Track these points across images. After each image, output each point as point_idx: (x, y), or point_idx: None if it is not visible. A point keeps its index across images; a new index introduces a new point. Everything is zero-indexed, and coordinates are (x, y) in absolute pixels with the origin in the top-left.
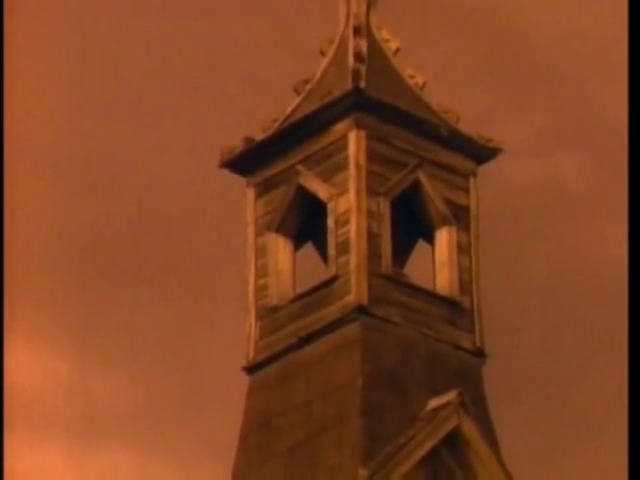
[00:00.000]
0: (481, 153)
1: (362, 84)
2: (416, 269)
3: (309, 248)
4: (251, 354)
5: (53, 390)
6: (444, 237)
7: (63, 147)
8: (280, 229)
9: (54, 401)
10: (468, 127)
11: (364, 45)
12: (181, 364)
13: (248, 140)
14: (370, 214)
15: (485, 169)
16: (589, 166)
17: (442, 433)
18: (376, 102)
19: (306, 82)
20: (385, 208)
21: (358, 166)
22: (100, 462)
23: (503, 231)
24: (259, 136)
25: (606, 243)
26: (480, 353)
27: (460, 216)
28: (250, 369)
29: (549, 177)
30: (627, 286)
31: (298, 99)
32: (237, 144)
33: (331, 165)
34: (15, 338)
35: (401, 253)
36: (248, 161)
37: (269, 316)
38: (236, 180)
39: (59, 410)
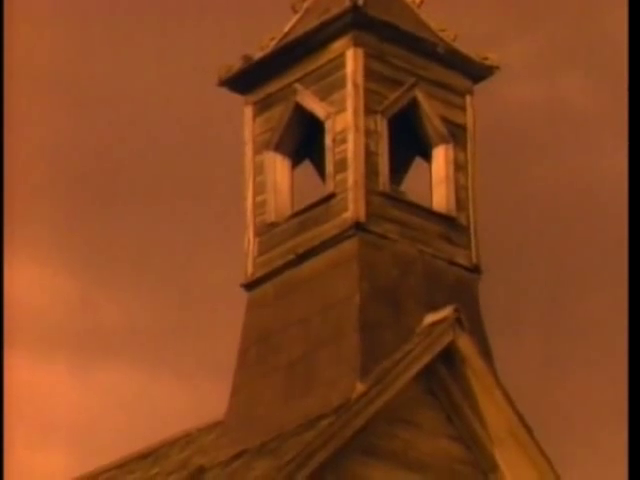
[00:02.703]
0: (478, 71)
1: (360, 1)
2: (413, 186)
3: (307, 166)
4: (249, 271)
5: (57, 308)
6: (441, 155)
7: (62, 68)
8: (278, 147)
9: (58, 319)
10: (467, 46)
11: None
12: (182, 281)
13: (246, 58)
14: (367, 132)
15: (483, 88)
16: (589, 84)
17: (438, 348)
18: (374, 20)
19: (304, 0)
20: (382, 126)
21: (356, 84)
22: (103, 379)
23: (501, 149)
24: (257, 54)
25: (605, 161)
26: (476, 269)
27: (457, 134)
28: (248, 285)
29: (548, 95)
30: (627, 203)
31: (296, 17)
32: (235, 62)
33: (329, 83)
34: (18, 256)
35: (398, 171)
36: (246, 79)
37: (267, 233)
38: (234, 98)
39: (63, 328)
